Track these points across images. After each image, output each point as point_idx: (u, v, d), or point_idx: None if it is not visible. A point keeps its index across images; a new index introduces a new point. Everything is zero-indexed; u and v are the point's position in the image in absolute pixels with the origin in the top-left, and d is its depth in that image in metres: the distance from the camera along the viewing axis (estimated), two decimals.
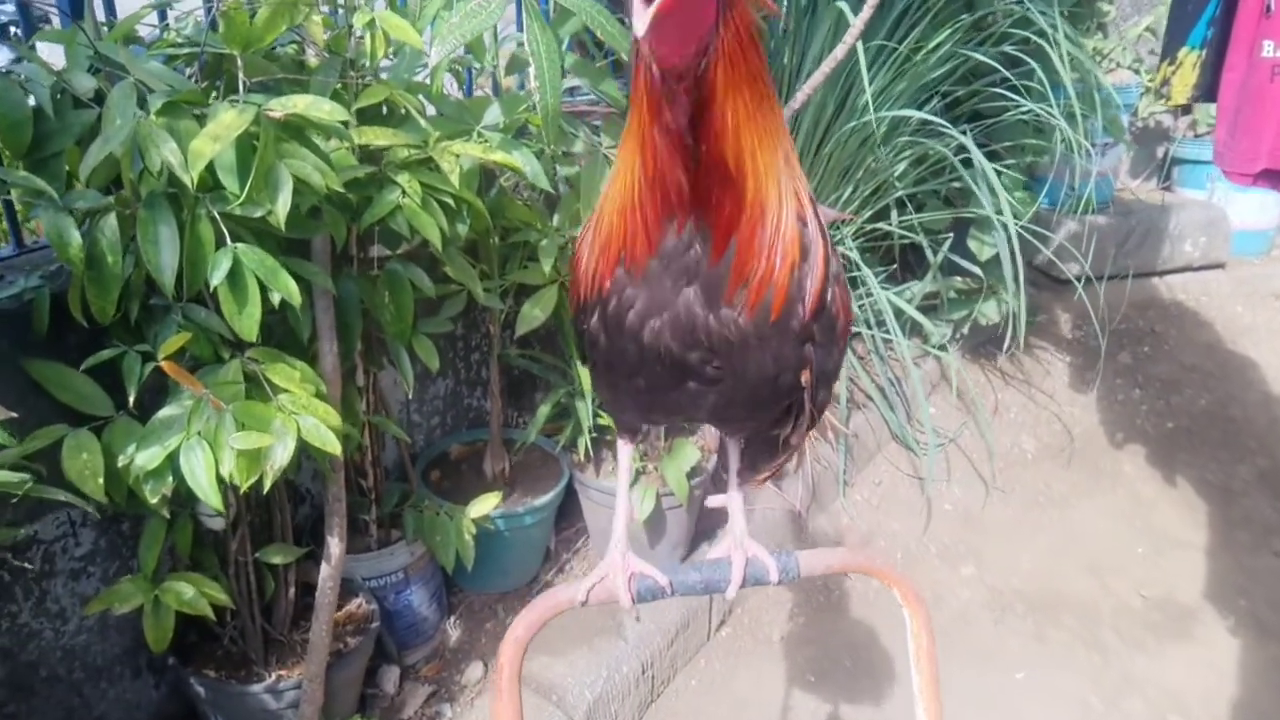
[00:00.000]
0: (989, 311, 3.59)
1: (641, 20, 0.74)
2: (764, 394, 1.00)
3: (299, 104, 1.42)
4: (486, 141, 1.86)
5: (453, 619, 2.41)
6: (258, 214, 1.40)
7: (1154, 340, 4.03)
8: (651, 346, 0.96)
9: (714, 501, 1.36)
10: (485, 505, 2.11)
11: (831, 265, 0.96)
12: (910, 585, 1.18)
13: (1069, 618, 2.78)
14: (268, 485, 1.50)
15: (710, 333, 0.94)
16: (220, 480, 1.49)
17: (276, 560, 1.89)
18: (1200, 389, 3.78)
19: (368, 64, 1.70)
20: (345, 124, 1.54)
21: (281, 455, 1.50)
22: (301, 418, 1.54)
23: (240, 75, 1.60)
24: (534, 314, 2.10)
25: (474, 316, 2.54)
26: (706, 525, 2.66)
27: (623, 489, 1.27)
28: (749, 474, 1.26)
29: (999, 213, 2.96)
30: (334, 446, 1.54)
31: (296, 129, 1.48)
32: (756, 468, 1.25)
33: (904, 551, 3.00)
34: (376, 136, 1.69)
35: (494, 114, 1.92)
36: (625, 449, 1.27)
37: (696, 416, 1.11)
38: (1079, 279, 3.63)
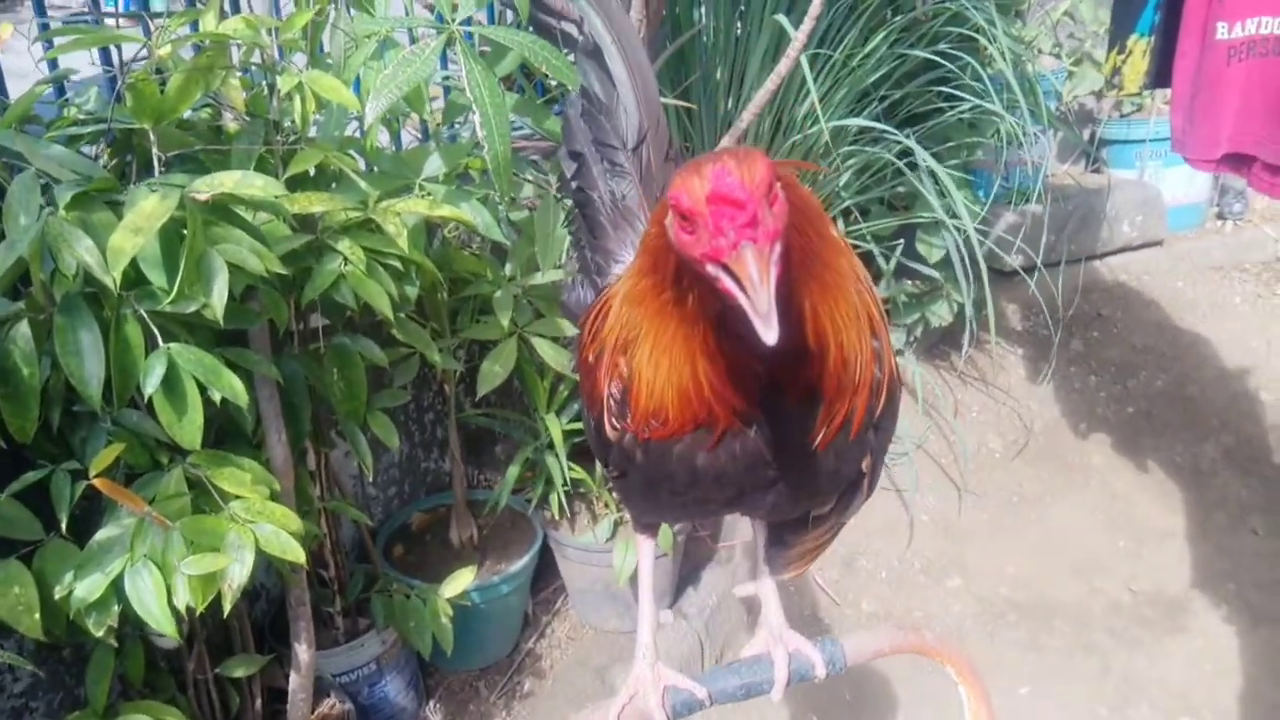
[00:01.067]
0: (940, 312, 3.53)
1: (766, 319, 0.65)
2: (826, 488, 0.89)
3: (227, 182, 1.27)
4: (430, 195, 1.72)
5: (432, 703, 2.25)
6: (191, 309, 1.25)
7: (1102, 325, 4.02)
8: (707, 471, 0.85)
9: (743, 591, 1.24)
10: (460, 583, 1.96)
11: (890, 354, 0.86)
12: (966, 660, 1.07)
13: (1062, 623, 2.72)
14: (227, 607, 1.34)
15: (780, 456, 0.84)
16: (173, 607, 1.33)
17: (239, 673, 1.72)
18: (1155, 370, 3.77)
19: (294, 124, 1.54)
20: (280, 197, 1.39)
21: (239, 573, 1.34)
22: (258, 526, 1.38)
23: (154, 151, 1.44)
24: (494, 371, 1.96)
25: (425, 375, 2.38)
26: (689, 570, 2.54)
27: (645, 591, 1.14)
28: (786, 557, 1.14)
29: (951, 214, 2.90)
30: (297, 554, 1.39)
31: (225, 210, 1.32)
32: (790, 547, 1.13)
33: (888, 570, 2.91)
34: (312, 203, 1.53)
35: (435, 164, 1.77)
36: (646, 545, 1.14)
37: (742, 513, 1.00)
38: (1024, 270, 3.59)
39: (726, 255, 0.67)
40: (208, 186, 1.25)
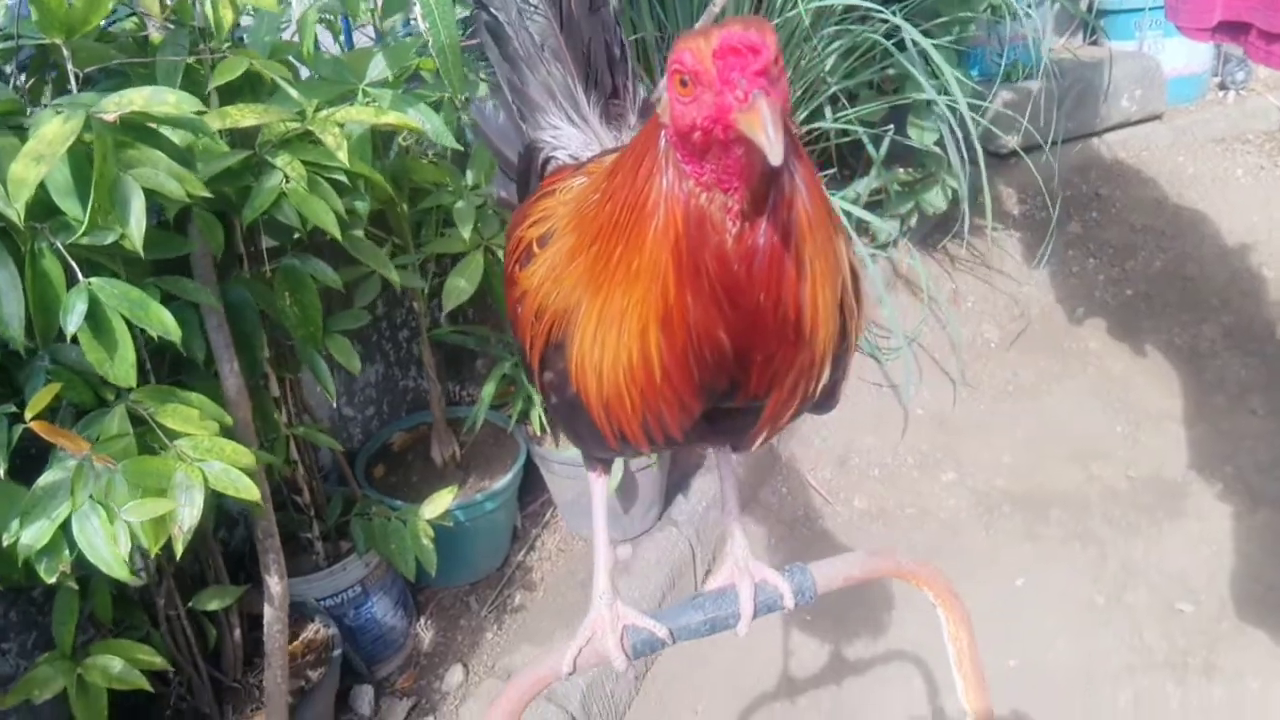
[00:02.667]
0: (934, 199, 3.41)
1: (770, 135, 0.61)
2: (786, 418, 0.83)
3: (136, 99, 1.17)
4: (375, 101, 1.61)
5: (423, 620, 2.23)
6: (108, 240, 1.16)
7: (1101, 205, 3.90)
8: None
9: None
10: (440, 503, 1.91)
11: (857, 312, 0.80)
12: (944, 583, 1.02)
13: (1058, 511, 2.69)
14: (179, 549, 1.29)
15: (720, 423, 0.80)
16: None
17: (213, 606, 1.69)
18: (1154, 250, 3.67)
19: (221, 32, 1.43)
20: (201, 113, 1.28)
21: (189, 515, 1.28)
22: (206, 464, 1.32)
23: (70, 68, 1.33)
24: (459, 286, 1.88)
25: (394, 292, 2.30)
26: (678, 477, 2.50)
27: (600, 532, 1.08)
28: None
29: (943, 93, 2.77)
30: (250, 491, 1.33)
31: (142, 129, 1.23)
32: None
33: (881, 466, 2.87)
34: (242, 116, 1.43)
35: (379, 67, 1.66)
36: (599, 483, 1.08)
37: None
38: (1020, 150, 3.47)
39: (734, 109, 0.63)
40: (115, 106, 1.15)
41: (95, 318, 1.18)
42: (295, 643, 1.92)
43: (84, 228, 1.12)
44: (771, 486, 2.74)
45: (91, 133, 1.13)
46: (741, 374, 0.75)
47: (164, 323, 1.21)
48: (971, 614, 2.32)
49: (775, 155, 0.60)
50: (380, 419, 2.37)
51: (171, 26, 1.49)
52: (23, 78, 1.45)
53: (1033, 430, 2.97)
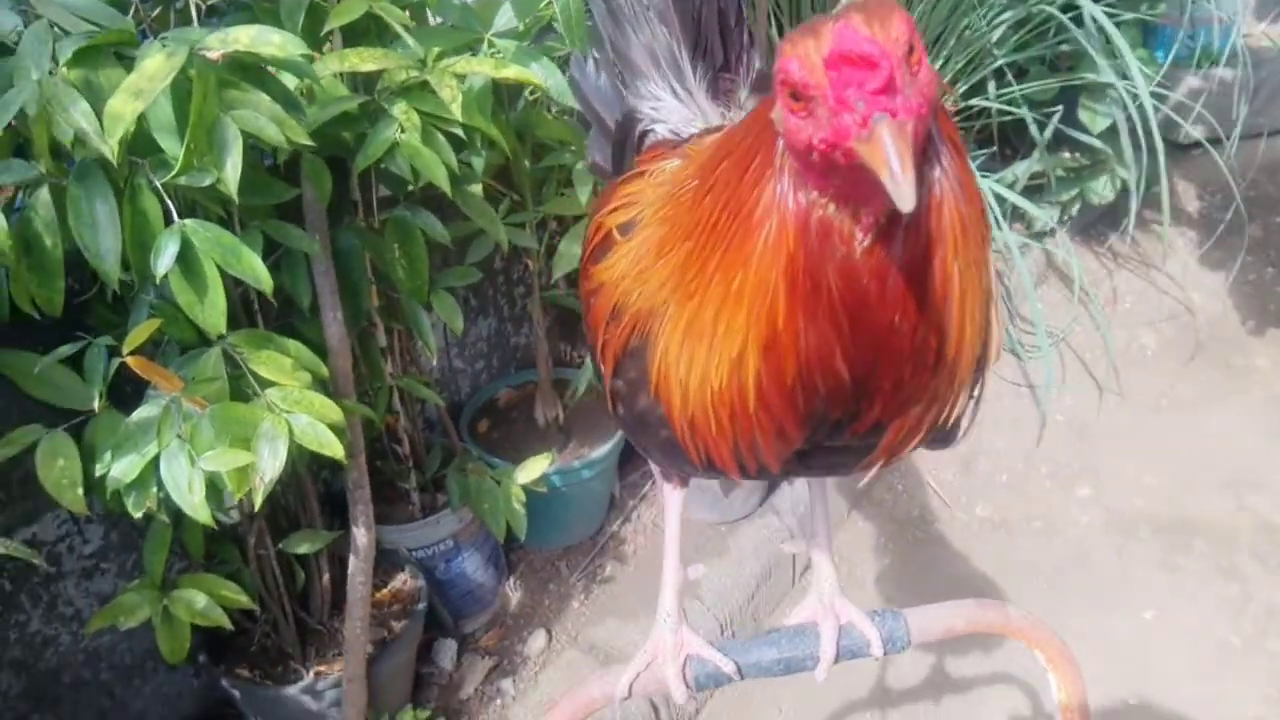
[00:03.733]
0: (1100, 189, 3.18)
1: (896, 174, 0.50)
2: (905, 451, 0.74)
3: (242, 38, 1.13)
4: (499, 52, 1.55)
5: (512, 580, 2.21)
6: (205, 182, 1.13)
7: None
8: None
9: (792, 546, 1.08)
10: (535, 469, 1.86)
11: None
12: (1059, 646, 0.90)
13: (1202, 542, 2.47)
14: (258, 500, 1.28)
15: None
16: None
17: (303, 549, 1.69)
18: None
19: None
20: (310, 57, 1.24)
21: (272, 466, 1.26)
22: (293, 416, 1.30)
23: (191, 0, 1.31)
24: (573, 251, 1.81)
25: (514, 248, 2.25)
26: None
27: (672, 543, 1.00)
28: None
29: (1121, 77, 2.55)
30: (334, 449, 1.30)
31: (249, 69, 1.19)
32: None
33: (1010, 473, 2.70)
34: (361, 60, 1.39)
35: (507, 15, 1.59)
36: (674, 495, 1.00)
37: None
38: (1204, 143, 3.17)
39: (854, 136, 0.52)
40: (220, 43, 1.11)
41: (187, 260, 1.16)
42: (383, 591, 1.92)
43: (178, 168, 1.09)
44: (887, 482, 2.61)
45: (194, 70, 1.09)
46: (860, 404, 0.65)
47: (255, 271, 1.18)
48: (1089, 644, 2.17)
49: (904, 200, 0.49)
50: (489, 373, 2.34)
51: None
52: (149, 6, 1.43)
53: (1184, 450, 2.74)
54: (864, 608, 0.99)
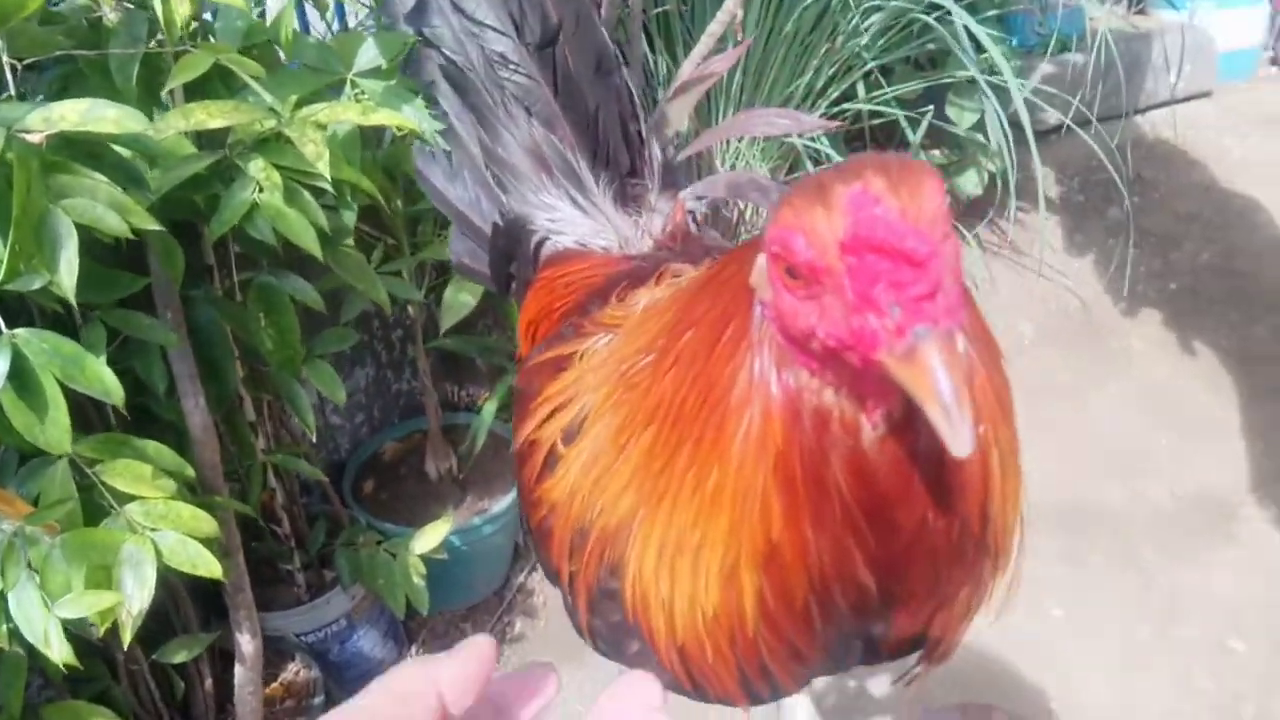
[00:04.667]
0: (968, 184, 3.20)
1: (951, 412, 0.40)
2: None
3: (70, 115, 0.95)
4: (363, 94, 1.39)
5: (414, 649, 2.06)
6: (34, 285, 0.96)
7: (1144, 188, 3.67)
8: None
9: None
10: (434, 536, 1.72)
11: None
12: None
13: (1099, 532, 2.50)
14: (127, 637, 1.11)
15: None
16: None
17: (179, 658, 1.50)
18: (1201, 241, 3.45)
19: (174, 31, 1.21)
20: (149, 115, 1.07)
21: (139, 596, 1.09)
22: (159, 534, 1.13)
23: (4, 58, 1.12)
24: (461, 300, 1.68)
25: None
26: None
27: None
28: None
29: (990, 71, 2.55)
30: (210, 568, 1.14)
31: (80, 145, 1.02)
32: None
33: None
34: (209, 115, 1.21)
35: (370, 53, 1.43)
36: None
37: None
38: (1060, 129, 3.23)
39: (884, 347, 0.42)
40: (43, 122, 0.94)
41: (21, 376, 0.98)
42: (273, 685, 1.75)
43: (3, 273, 0.92)
44: None
45: (14, 154, 0.92)
46: (893, 611, 0.55)
47: (103, 383, 1.01)
48: (1001, 647, 2.15)
49: (960, 443, 0.39)
50: (371, 426, 2.17)
51: (130, 6, 1.27)
52: None
53: (1071, 438, 2.77)
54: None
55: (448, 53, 0.89)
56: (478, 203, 1.00)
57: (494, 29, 0.86)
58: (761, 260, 0.47)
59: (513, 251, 0.95)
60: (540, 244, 0.92)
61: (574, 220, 0.90)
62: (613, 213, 0.90)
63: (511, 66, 0.86)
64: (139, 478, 1.16)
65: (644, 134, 0.91)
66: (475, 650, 0.48)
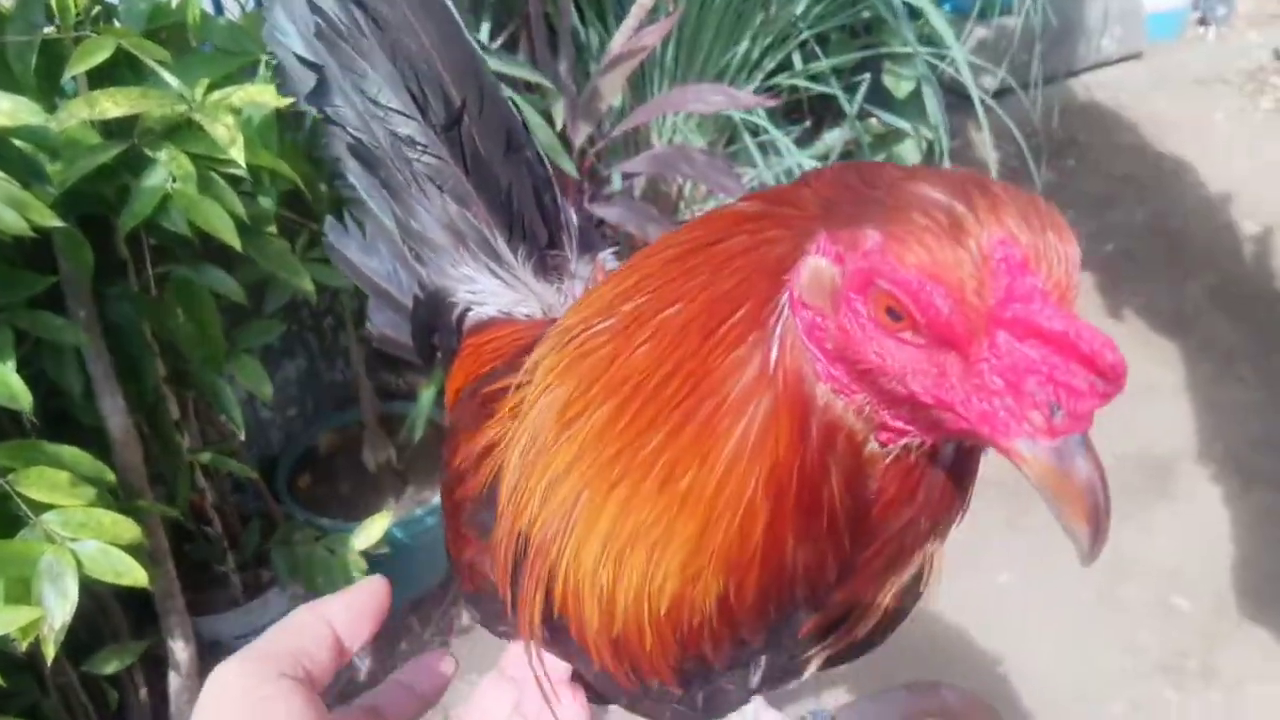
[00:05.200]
0: (906, 154, 3.19)
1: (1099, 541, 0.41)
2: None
3: None
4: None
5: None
6: None
7: (1079, 151, 3.70)
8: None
9: None
10: (374, 530, 1.67)
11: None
12: None
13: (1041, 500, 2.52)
14: (50, 652, 1.05)
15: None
16: None
17: (110, 669, 1.45)
18: (1134, 202, 3.49)
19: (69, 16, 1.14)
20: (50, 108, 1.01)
21: (61, 609, 1.04)
22: (80, 544, 1.07)
23: None
24: None
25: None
26: None
27: None
28: None
29: (925, 41, 2.54)
30: (135, 576, 1.09)
31: None
32: None
33: None
34: (114, 104, 1.15)
35: None
36: None
37: None
38: (994, 94, 3.24)
39: (1026, 443, 0.39)
40: None
41: None
42: None
43: None
44: None
45: None
46: (837, 593, 0.53)
47: (9, 389, 0.96)
48: (949, 615, 2.16)
49: (1092, 557, 0.40)
50: (304, 418, 2.11)
51: None
52: None
53: None
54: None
55: (353, 132, 0.85)
56: (395, 275, 0.96)
57: (398, 112, 0.82)
58: (821, 265, 0.43)
59: (435, 323, 0.91)
60: (463, 315, 0.88)
61: (495, 291, 0.86)
62: (533, 282, 0.86)
63: (420, 147, 0.82)
64: (55, 485, 1.10)
65: (559, 203, 0.87)
66: (366, 586, 0.54)
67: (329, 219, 0.98)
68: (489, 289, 0.87)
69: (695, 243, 0.48)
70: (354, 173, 0.89)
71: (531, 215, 0.85)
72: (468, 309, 0.88)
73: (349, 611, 0.49)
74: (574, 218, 0.87)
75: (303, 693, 0.46)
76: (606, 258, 0.88)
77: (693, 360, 0.46)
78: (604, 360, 0.50)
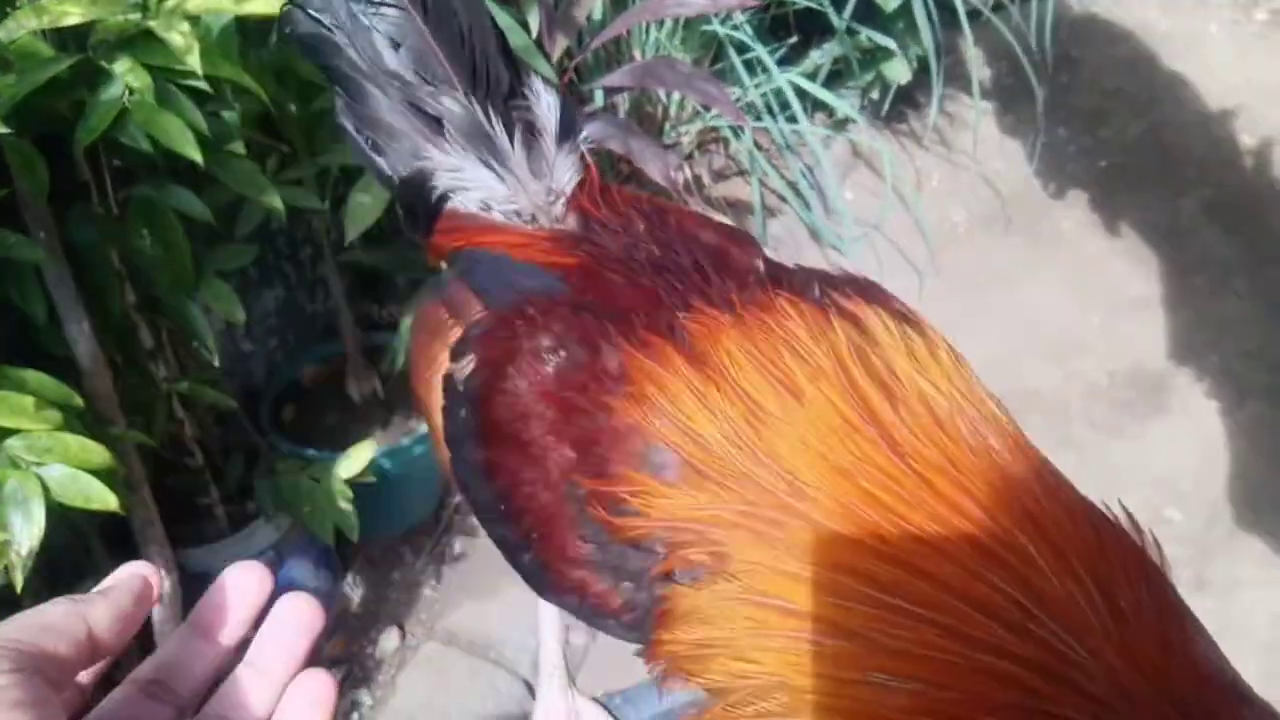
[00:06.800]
0: (896, 71, 3.11)
1: None
2: None
3: None
4: None
5: (350, 577, 2.00)
6: None
7: (1071, 67, 3.62)
8: None
9: None
10: (359, 459, 1.64)
11: None
12: None
13: (1036, 416, 2.50)
14: (19, 580, 1.02)
15: None
16: None
17: None
18: (1128, 117, 3.42)
19: None
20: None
21: (28, 535, 1.01)
22: (45, 469, 1.04)
23: None
24: (363, 204, 1.56)
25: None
26: None
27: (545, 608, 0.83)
28: None
29: None
30: (104, 500, 1.05)
31: None
32: None
33: None
34: (64, 12, 1.10)
35: None
36: None
37: None
38: (985, 8, 3.16)
39: None
40: None
41: None
42: None
43: None
44: None
45: None
46: None
47: None
48: None
49: None
50: (286, 350, 2.07)
51: None
52: None
53: (1007, 324, 2.76)
54: None
55: (313, 13, 0.80)
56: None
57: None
58: None
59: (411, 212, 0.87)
60: (442, 199, 0.83)
61: (475, 177, 0.81)
62: (524, 174, 0.81)
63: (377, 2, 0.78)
64: (19, 410, 1.06)
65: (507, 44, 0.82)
66: (127, 585, 0.49)
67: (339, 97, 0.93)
68: (468, 174, 0.82)
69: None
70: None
71: (493, 58, 0.81)
72: (446, 194, 0.83)
73: (110, 611, 0.47)
74: (553, 97, 0.82)
75: (28, 689, 0.42)
76: (588, 138, 0.83)
77: None
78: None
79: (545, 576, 0.67)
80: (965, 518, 0.53)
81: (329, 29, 0.79)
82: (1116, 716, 0.46)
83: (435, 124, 0.81)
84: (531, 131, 0.81)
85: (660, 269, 0.73)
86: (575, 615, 0.68)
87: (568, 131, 0.83)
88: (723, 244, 0.77)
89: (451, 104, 0.79)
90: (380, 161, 0.85)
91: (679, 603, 0.56)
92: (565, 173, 0.82)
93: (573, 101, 0.85)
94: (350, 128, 0.85)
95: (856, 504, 0.54)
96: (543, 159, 0.81)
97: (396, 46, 0.78)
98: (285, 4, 0.85)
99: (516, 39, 1.51)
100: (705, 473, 0.57)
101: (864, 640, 0.50)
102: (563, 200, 0.81)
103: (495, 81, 0.81)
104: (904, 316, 0.63)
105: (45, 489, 1.03)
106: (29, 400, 1.08)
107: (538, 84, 0.82)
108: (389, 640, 1.88)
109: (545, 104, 0.82)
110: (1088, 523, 0.55)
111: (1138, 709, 0.45)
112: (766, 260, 0.76)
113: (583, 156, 0.83)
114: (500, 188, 0.81)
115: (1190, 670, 0.47)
